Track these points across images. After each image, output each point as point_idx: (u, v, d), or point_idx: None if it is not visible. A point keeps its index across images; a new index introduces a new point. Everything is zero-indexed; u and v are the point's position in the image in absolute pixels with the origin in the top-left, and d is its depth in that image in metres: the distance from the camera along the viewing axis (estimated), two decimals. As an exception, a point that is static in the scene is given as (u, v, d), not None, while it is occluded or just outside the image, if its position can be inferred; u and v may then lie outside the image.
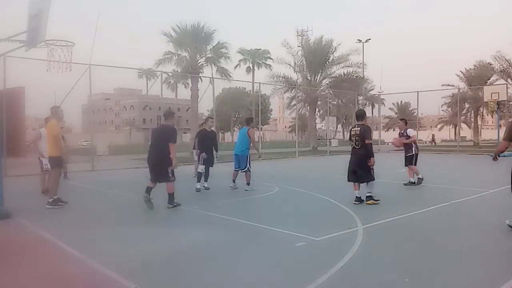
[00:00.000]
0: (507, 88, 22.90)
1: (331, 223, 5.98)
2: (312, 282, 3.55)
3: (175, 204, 7.16)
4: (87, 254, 4.43)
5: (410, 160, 10.07)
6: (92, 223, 6.20)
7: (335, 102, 40.09)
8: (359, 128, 7.63)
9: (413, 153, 10.06)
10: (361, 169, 7.49)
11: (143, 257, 4.39)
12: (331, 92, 31.57)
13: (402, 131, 10.43)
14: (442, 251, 4.54)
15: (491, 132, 55.11)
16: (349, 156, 7.83)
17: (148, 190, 7.05)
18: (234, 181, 9.63)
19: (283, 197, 8.68)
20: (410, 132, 10.37)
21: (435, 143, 44.80)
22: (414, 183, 9.96)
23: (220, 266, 4.12)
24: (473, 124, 39.27)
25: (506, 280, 3.58)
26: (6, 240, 5.30)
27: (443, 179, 11.42)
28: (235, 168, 9.59)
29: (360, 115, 7.92)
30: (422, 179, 10.00)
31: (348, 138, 8.13)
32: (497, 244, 4.93)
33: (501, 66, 31.51)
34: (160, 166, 7.02)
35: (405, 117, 11.24)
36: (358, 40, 35.47)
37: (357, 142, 7.55)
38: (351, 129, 7.96)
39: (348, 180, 7.70)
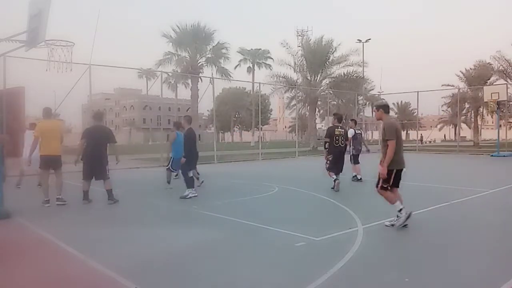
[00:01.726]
0: (507, 88, 22.86)
1: (331, 223, 5.98)
2: (312, 282, 3.55)
3: (115, 200, 7.58)
4: (87, 254, 4.43)
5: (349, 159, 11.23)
6: (92, 223, 6.21)
7: (335, 102, 40.05)
8: (343, 130, 9.37)
9: (350, 153, 11.23)
10: (343, 162, 9.37)
11: (143, 257, 4.39)
12: (331, 92, 31.56)
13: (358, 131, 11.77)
14: (442, 251, 4.54)
15: (491, 132, 55.12)
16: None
17: (86, 196, 7.62)
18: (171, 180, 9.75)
19: (283, 197, 8.67)
20: (350, 132, 11.38)
21: (422, 142, 46.42)
22: (360, 179, 10.86)
23: (220, 266, 4.12)
24: (473, 124, 39.25)
25: (506, 280, 3.58)
26: (6, 240, 5.29)
27: (443, 179, 11.42)
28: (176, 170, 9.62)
29: (341, 118, 9.74)
30: (359, 179, 10.91)
31: (327, 136, 9.33)
32: (497, 244, 4.93)
33: (501, 67, 31.52)
34: (101, 165, 7.60)
35: (355, 118, 12.06)
36: (358, 40, 35.49)
37: (342, 141, 9.23)
38: (333, 130, 9.27)
39: (330, 171, 9.19)
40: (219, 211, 6.83)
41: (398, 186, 5.65)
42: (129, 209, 7.28)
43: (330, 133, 9.23)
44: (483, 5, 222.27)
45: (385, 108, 5.78)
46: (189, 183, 8.15)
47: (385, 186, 5.48)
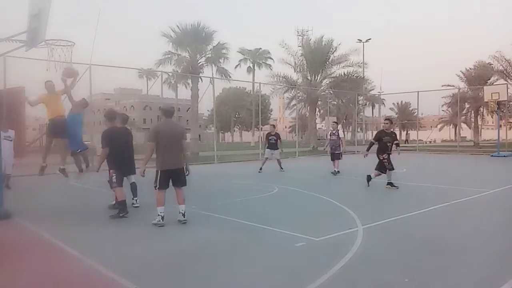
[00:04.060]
0: (507, 88, 22.84)
1: (331, 223, 5.98)
2: (312, 282, 3.55)
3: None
4: (87, 254, 4.43)
5: (340, 156, 12.87)
6: (92, 223, 6.19)
7: (335, 102, 40.04)
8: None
9: (342, 150, 12.99)
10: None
11: (143, 257, 4.39)
12: (331, 92, 31.55)
13: (334, 131, 13.05)
14: (442, 251, 4.54)
15: (491, 132, 55.09)
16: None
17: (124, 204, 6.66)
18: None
19: (283, 197, 8.67)
20: (341, 133, 13.28)
21: (407, 142, 48.89)
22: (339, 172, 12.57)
23: (220, 266, 4.12)
24: (473, 124, 39.23)
25: (506, 280, 3.58)
26: (6, 240, 5.29)
27: (443, 179, 11.42)
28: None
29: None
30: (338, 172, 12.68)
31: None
32: (497, 244, 4.92)
33: (501, 67, 31.51)
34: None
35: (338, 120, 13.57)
36: (358, 40, 35.52)
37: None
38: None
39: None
40: (219, 212, 6.84)
41: (178, 186, 5.99)
42: (129, 209, 7.26)
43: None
44: (483, 5, 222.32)
45: (163, 111, 6.19)
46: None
47: (154, 185, 5.87)
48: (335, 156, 12.83)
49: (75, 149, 7.88)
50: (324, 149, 13.12)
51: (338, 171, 12.62)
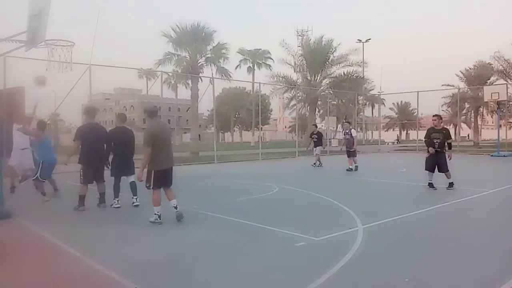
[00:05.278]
0: (507, 88, 22.85)
1: (331, 223, 5.98)
2: (312, 282, 3.55)
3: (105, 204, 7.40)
4: (87, 254, 4.43)
5: (354, 153, 13.70)
6: (92, 223, 6.20)
7: (335, 102, 40.05)
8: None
9: (355, 148, 13.84)
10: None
11: (143, 257, 4.39)
12: (331, 92, 31.56)
13: (347, 131, 13.94)
14: (442, 251, 4.54)
15: (491, 132, 55.12)
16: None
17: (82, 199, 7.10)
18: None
19: (283, 197, 8.67)
20: (354, 132, 14.20)
21: (399, 142, 51.25)
22: (354, 169, 13.38)
23: (220, 266, 4.12)
24: (473, 124, 39.24)
25: (506, 280, 3.58)
26: (6, 240, 5.29)
27: (443, 179, 11.41)
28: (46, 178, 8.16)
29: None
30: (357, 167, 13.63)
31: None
32: (497, 244, 4.93)
33: (500, 67, 31.52)
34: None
35: (349, 120, 16.35)
36: (358, 40, 35.50)
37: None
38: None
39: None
40: (219, 211, 6.83)
41: (168, 186, 6.01)
42: (129, 209, 7.27)
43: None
44: (483, 5, 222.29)
45: (148, 112, 6.02)
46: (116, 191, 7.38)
47: (147, 185, 5.82)
48: (351, 153, 13.63)
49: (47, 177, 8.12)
50: (341, 148, 14.17)
51: (356, 168, 13.47)
